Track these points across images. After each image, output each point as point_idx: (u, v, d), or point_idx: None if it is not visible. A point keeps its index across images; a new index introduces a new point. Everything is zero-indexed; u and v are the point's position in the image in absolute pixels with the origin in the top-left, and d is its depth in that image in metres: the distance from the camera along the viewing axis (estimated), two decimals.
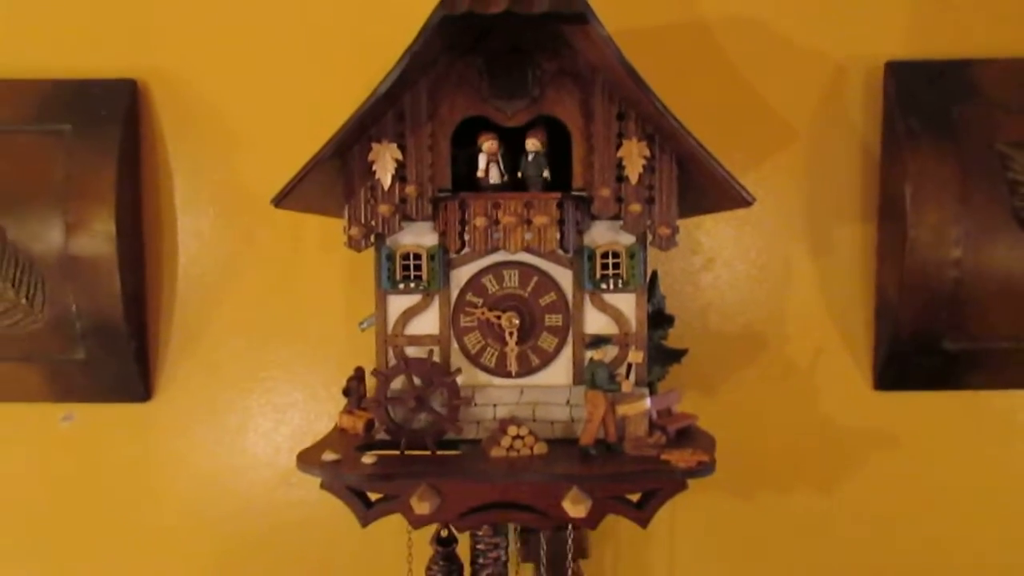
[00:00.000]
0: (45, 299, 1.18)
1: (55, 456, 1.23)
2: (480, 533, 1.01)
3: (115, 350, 1.19)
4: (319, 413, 1.22)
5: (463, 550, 1.03)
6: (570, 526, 1.02)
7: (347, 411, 1.03)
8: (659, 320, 1.05)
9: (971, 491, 1.22)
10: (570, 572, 1.05)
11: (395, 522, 1.15)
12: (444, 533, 1.07)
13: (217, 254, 1.22)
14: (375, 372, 0.93)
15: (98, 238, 1.16)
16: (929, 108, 1.15)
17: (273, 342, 1.22)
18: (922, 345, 1.17)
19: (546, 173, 0.92)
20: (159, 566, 1.25)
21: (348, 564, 1.24)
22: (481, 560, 1.02)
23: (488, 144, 0.91)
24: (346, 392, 1.05)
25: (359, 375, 1.06)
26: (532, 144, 0.91)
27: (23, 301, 1.17)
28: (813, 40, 1.19)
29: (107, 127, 1.17)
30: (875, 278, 1.21)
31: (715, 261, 1.21)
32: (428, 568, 1.04)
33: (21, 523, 1.24)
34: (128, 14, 1.19)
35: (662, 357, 1.06)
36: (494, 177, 0.92)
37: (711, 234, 1.21)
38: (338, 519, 1.22)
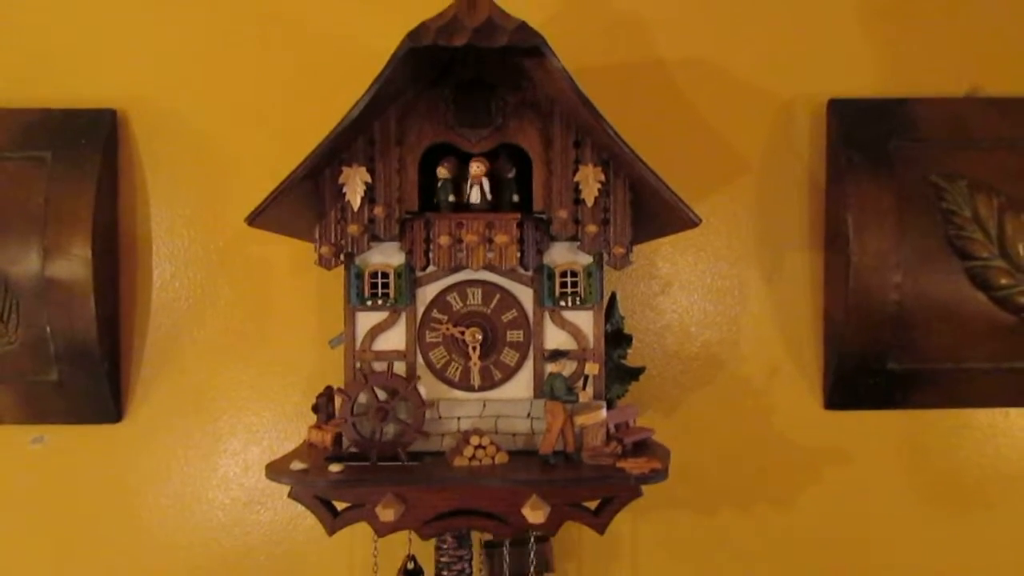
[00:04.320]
0: (20, 321, 1.20)
1: (27, 477, 1.24)
2: (444, 546, 1.04)
3: (88, 372, 1.20)
4: (289, 433, 1.25)
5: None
6: (531, 542, 1.07)
7: (316, 426, 1.06)
8: (618, 339, 1.10)
9: (917, 504, 1.27)
10: None
11: (362, 549, 1.19)
12: (410, 566, 1.09)
13: (190, 278, 1.25)
14: (339, 391, 0.96)
15: (74, 262, 1.18)
16: (868, 142, 1.22)
17: (243, 363, 1.25)
18: (868, 366, 1.22)
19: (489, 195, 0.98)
20: None
21: None
22: (445, 573, 1.04)
23: (475, 168, 0.97)
24: (315, 409, 1.08)
25: (328, 393, 1.09)
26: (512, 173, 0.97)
27: None
28: (762, 79, 1.26)
29: (87, 155, 1.20)
30: (823, 302, 1.26)
31: (672, 285, 1.27)
32: None
33: None
34: (108, 47, 1.24)
35: (622, 375, 1.11)
36: (476, 198, 0.98)
37: (669, 260, 1.27)
38: (306, 540, 1.25)
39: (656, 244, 1.25)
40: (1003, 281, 1.21)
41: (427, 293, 1.00)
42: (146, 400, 1.25)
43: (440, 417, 1.00)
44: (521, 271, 0.99)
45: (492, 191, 0.98)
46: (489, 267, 0.97)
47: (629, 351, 1.11)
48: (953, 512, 1.27)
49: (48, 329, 1.19)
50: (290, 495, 0.92)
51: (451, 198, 0.98)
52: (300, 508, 0.94)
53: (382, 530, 0.91)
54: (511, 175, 0.98)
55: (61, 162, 1.20)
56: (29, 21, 1.24)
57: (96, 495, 1.25)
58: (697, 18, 1.26)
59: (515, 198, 0.99)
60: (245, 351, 1.25)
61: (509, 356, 1.00)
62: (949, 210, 1.21)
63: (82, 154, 1.20)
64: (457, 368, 1.00)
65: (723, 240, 1.27)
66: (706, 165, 1.26)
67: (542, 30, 0.86)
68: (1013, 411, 1.28)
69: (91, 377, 1.21)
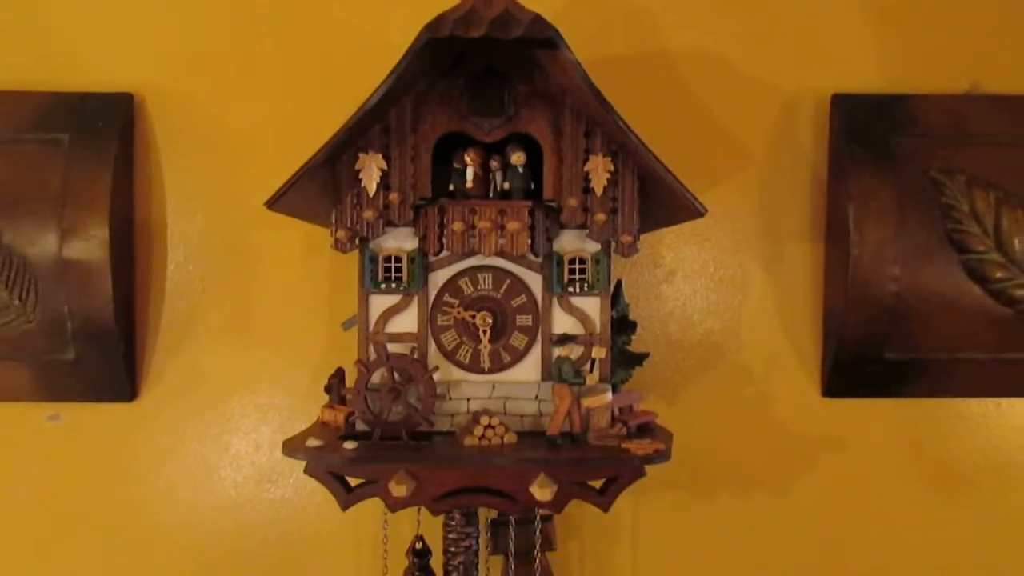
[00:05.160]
0: (38, 300, 1.22)
1: (42, 454, 1.27)
2: (452, 523, 1.07)
3: (104, 351, 1.23)
4: (299, 413, 1.27)
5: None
6: (537, 520, 1.10)
7: (329, 406, 1.09)
8: (623, 326, 1.12)
9: (911, 489, 1.30)
10: (537, 563, 1.11)
11: (370, 526, 1.22)
12: (419, 546, 1.12)
13: (204, 260, 1.28)
14: (358, 362, 0.99)
15: (92, 243, 1.20)
16: (871, 137, 1.24)
17: (256, 344, 1.27)
18: (865, 355, 1.25)
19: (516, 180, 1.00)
20: (143, 562, 1.28)
21: (327, 561, 1.28)
22: (453, 549, 1.08)
23: (470, 157, 1.00)
24: (328, 389, 1.11)
25: (340, 374, 1.13)
26: (517, 158, 0.99)
27: (16, 302, 1.22)
28: (767, 73, 1.28)
29: (104, 138, 1.22)
30: (822, 292, 1.29)
31: (676, 274, 1.29)
32: None
33: (7, 520, 1.27)
34: (126, 31, 1.26)
35: (626, 360, 1.13)
36: (471, 184, 1.01)
37: (673, 249, 1.30)
38: (317, 517, 1.28)
39: (660, 233, 1.27)
40: (999, 274, 1.23)
41: (439, 278, 1.03)
42: (160, 379, 1.28)
43: (450, 398, 1.03)
44: (531, 257, 1.02)
45: (486, 178, 1.01)
46: (500, 253, 1.00)
47: (633, 337, 1.14)
48: (946, 498, 1.30)
49: (65, 309, 1.22)
50: (306, 471, 0.95)
51: (450, 188, 1.01)
52: (310, 486, 0.97)
53: (394, 505, 0.94)
54: (514, 160, 0.99)
55: (78, 145, 1.22)
56: (47, 4, 1.26)
57: (110, 471, 1.27)
58: (703, 13, 1.28)
59: (505, 186, 1.00)
60: (257, 333, 1.27)
61: (518, 340, 1.03)
62: (948, 204, 1.23)
63: (99, 137, 1.22)
64: (467, 351, 1.02)
65: (726, 230, 1.29)
66: (711, 157, 1.29)
67: (550, 21, 0.88)
68: (1005, 401, 1.31)
69: (107, 356, 1.23)
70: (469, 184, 1.01)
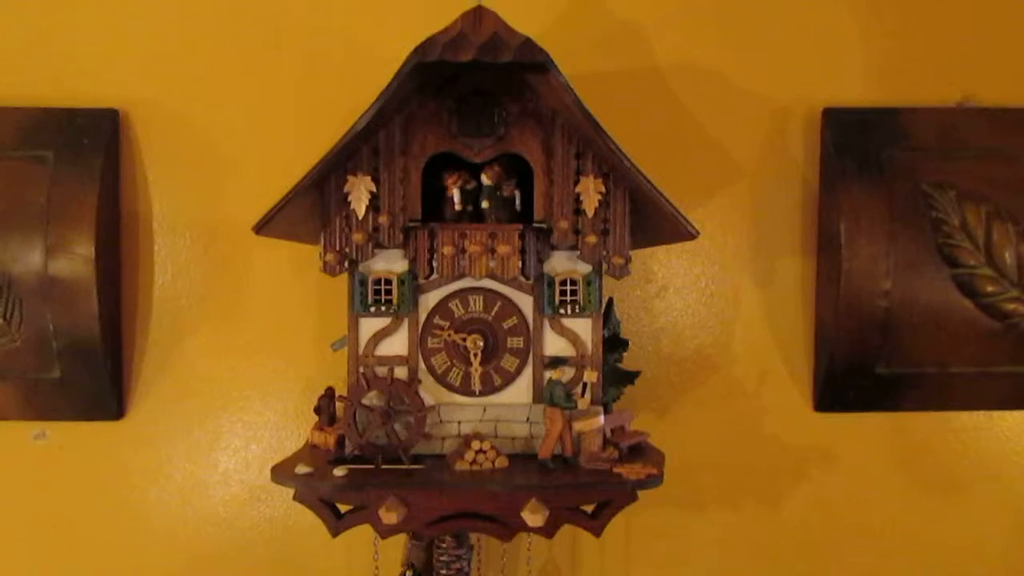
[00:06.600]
0: (23, 319, 1.21)
1: (28, 473, 1.26)
2: (443, 546, 1.07)
3: (91, 369, 1.22)
4: (288, 431, 1.27)
5: None
6: (529, 544, 1.09)
7: (318, 428, 1.08)
8: (614, 344, 1.12)
9: (902, 503, 1.30)
10: None
11: (360, 543, 1.21)
12: (409, 574, 1.11)
13: (191, 278, 1.26)
14: (361, 375, 0.98)
15: (77, 260, 1.19)
16: (862, 151, 1.24)
17: (244, 363, 1.26)
18: (856, 369, 1.25)
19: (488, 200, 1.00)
20: None
21: None
22: (444, 571, 1.07)
23: (451, 180, 0.99)
24: (317, 410, 1.10)
25: (329, 394, 1.11)
26: (487, 178, 0.99)
27: (0, 320, 1.20)
28: (758, 87, 1.28)
29: (89, 154, 1.21)
30: (814, 306, 1.29)
31: (667, 289, 1.29)
32: None
33: None
34: (111, 47, 1.25)
35: (617, 379, 1.13)
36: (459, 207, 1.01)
37: (664, 264, 1.29)
38: (306, 534, 1.27)
39: (652, 249, 1.27)
40: (989, 288, 1.24)
41: (429, 300, 1.02)
42: (147, 397, 1.27)
43: (441, 421, 1.02)
44: (522, 279, 1.01)
45: (469, 201, 1.01)
46: (491, 276, 0.99)
47: (625, 354, 1.14)
48: (937, 510, 1.31)
49: (51, 327, 1.20)
50: (295, 498, 0.94)
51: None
52: (299, 504, 0.96)
53: (385, 532, 0.94)
54: (486, 180, 0.99)
55: (63, 161, 1.21)
56: (32, 21, 1.24)
57: (98, 491, 1.26)
58: (695, 28, 1.27)
59: (484, 204, 1.01)
60: (246, 350, 1.26)
61: (509, 362, 1.02)
62: (938, 218, 1.23)
63: (84, 154, 1.21)
64: (458, 373, 1.02)
65: (718, 245, 1.29)
66: (702, 171, 1.28)
67: (541, 38, 0.88)
68: (996, 414, 1.31)
69: (93, 374, 1.22)
70: (446, 209, 1.00)
